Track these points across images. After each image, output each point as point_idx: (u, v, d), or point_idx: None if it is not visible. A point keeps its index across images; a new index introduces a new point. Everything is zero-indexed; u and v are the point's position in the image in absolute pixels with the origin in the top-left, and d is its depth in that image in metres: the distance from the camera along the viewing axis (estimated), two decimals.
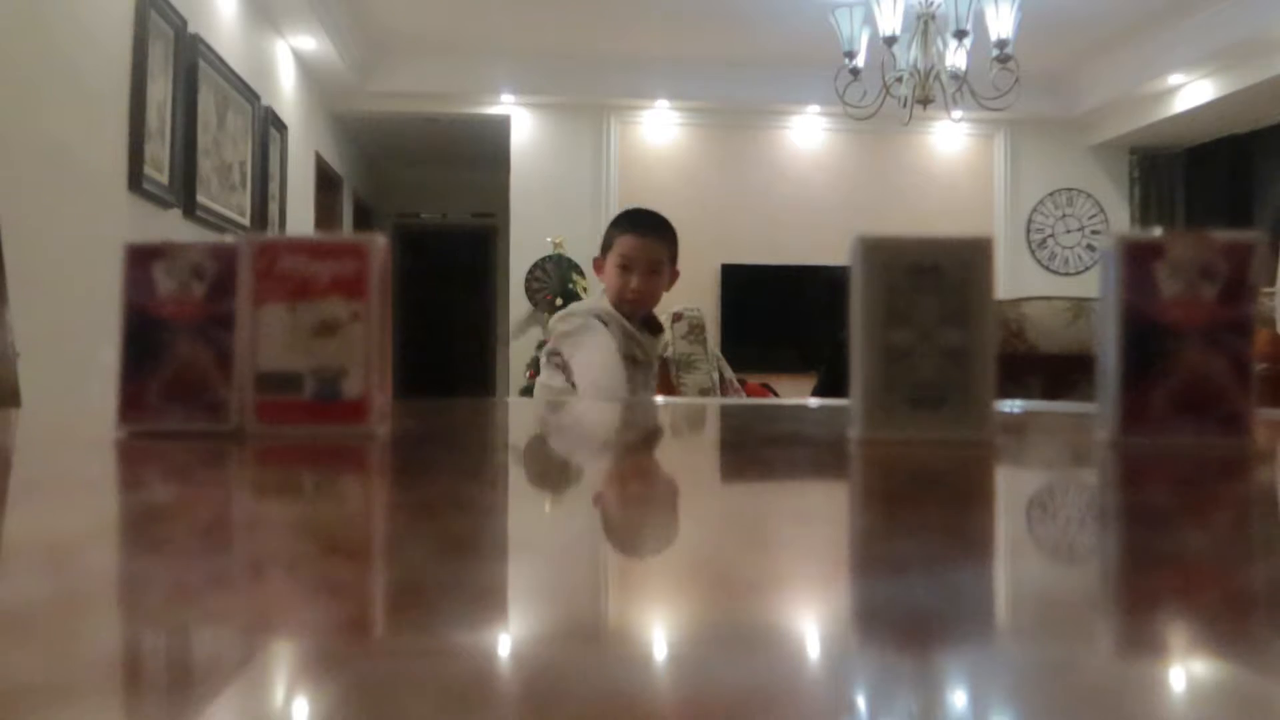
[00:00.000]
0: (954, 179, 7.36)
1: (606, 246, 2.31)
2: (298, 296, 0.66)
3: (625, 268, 2.25)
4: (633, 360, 2.25)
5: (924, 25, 4.87)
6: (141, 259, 0.66)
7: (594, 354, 2.20)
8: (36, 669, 0.20)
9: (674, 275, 2.35)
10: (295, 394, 0.66)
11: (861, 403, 0.65)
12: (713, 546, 0.36)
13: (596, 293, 2.39)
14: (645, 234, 2.28)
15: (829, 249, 7.07)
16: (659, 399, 2.18)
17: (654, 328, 2.39)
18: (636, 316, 2.30)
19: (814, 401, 1.65)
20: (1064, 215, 7.48)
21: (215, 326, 0.65)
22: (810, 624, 0.25)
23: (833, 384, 3.85)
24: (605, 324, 2.22)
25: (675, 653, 0.22)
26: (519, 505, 0.49)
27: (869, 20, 4.85)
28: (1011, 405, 1.31)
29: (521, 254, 7.08)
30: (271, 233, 5.42)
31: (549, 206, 7.01)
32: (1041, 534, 0.41)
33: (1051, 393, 2.63)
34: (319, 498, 0.48)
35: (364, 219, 8.64)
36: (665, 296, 2.34)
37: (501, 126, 7.11)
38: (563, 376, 2.24)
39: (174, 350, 0.65)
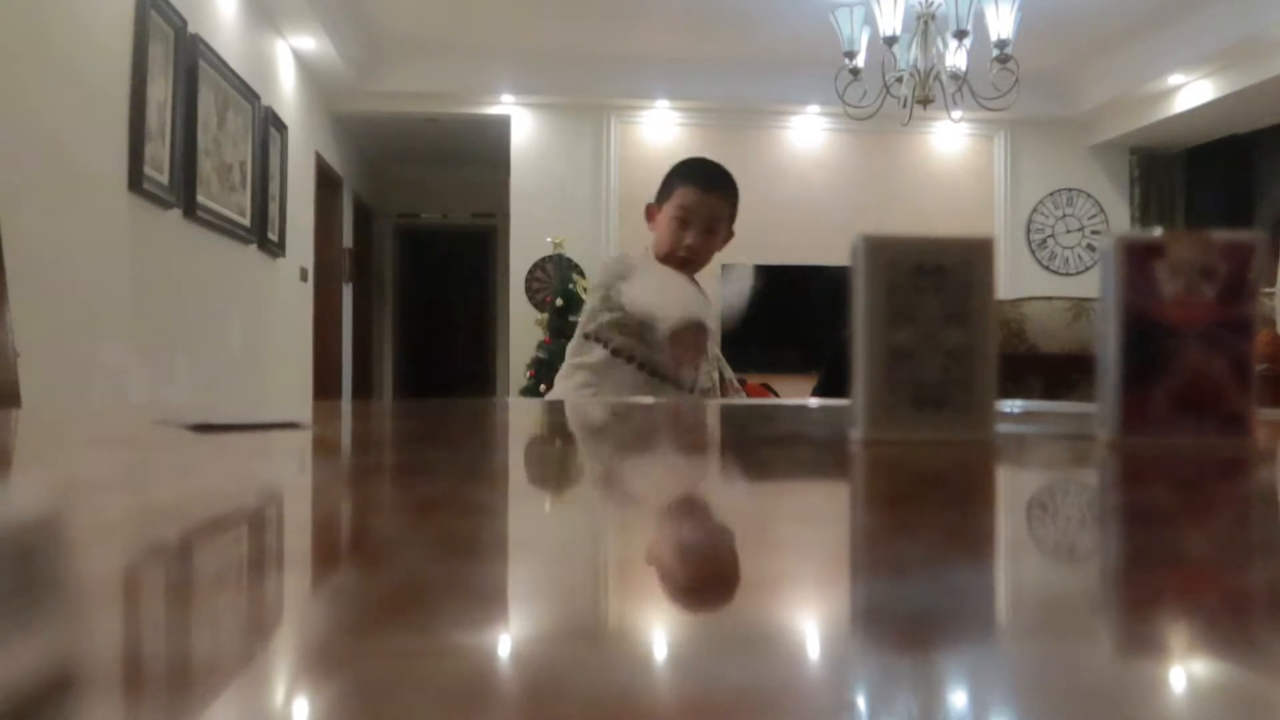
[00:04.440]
0: (954, 179, 7.36)
1: (664, 195, 2.12)
2: None
3: (682, 221, 2.07)
4: None
5: (924, 25, 4.87)
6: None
7: (646, 279, 2.00)
8: None
9: (729, 236, 2.18)
10: None
11: (864, 403, 0.65)
12: (713, 546, 0.36)
13: (644, 244, 2.17)
14: (709, 189, 2.11)
15: (829, 249, 7.06)
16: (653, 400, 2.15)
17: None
18: (687, 275, 2.10)
19: (814, 401, 1.65)
20: (1064, 215, 7.48)
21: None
22: (810, 624, 0.25)
23: (833, 384, 3.85)
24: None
25: (675, 653, 0.22)
26: (519, 505, 0.49)
27: (869, 20, 4.85)
28: (1011, 405, 1.31)
29: (521, 254, 7.08)
30: (272, 233, 5.41)
31: (549, 206, 7.01)
32: (1041, 534, 0.41)
33: (1051, 393, 2.64)
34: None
35: (364, 219, 8.64)
36: None
37: (501, 126, 7.11)
38: (600, 348, 2.04)
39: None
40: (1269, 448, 0.70)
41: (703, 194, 2.10)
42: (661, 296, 1.96)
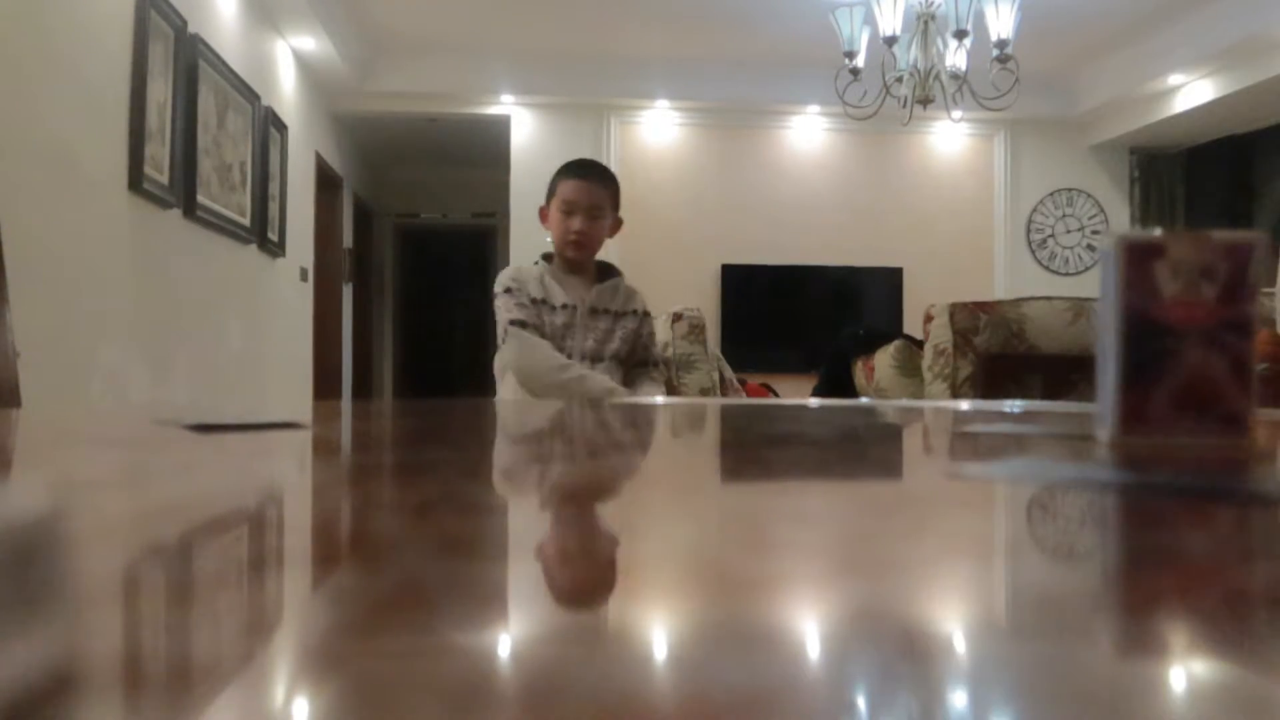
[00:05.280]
0: (954, 179, 7.35)
1: (550, 195, 2.35)
2: None
3: (568, 212, 2.29)
4: (550, 307, 2.28)
5: (924, 25, 4.87)
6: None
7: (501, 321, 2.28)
8: None
9: (617, 223, 2.38)
10: None
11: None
12: (715, 547, 0.36)
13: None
14: (586, 177, 2.33)
15: (829, 249, 7.06)
16: (660, 399, 2.16)
17: (605, 272, 2.38)
18: (582, 260, 2.33)
19: (814, 401, 1.65)
20: (1064, 215, 7.48)
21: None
22: (810, 624, 0.25)
23: (833, 384, 3.85)
24: (509, 290, 2.27)
25: (676, 653, 0.22)
26: (519, 505, 0.49)
27: (869, 20, 4.85)
28: (1011, 405, 1.31)
29: (521, 254, 7.07)
30: (272, 233, 5.41)
31: None
32: (1041, 534, 0.41)
33: (1051, 393, 2.63)
34: None
35: (364, 219, 8.63)
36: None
37: (501, 126, 7.11)
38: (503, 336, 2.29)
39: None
40: (1269, 448, 0.70)
41: (580, 182, 2.32)
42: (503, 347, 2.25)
